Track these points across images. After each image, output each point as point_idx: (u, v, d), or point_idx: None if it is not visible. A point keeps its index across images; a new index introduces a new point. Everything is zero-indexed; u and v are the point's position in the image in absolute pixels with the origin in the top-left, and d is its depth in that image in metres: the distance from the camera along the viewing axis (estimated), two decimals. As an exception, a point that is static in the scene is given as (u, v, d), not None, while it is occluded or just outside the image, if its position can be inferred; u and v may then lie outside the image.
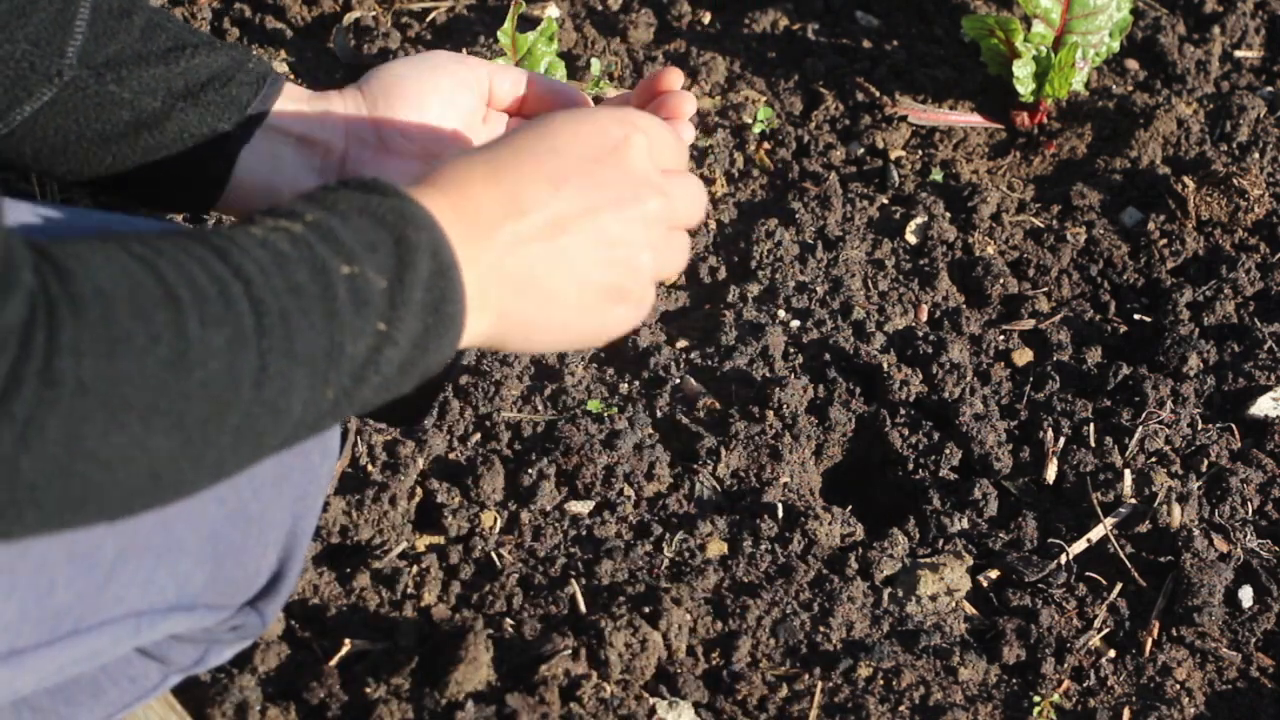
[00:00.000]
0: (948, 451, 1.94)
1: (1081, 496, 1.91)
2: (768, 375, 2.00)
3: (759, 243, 2.14)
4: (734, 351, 2.01)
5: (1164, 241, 2.17)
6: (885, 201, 2.22)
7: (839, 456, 1.98)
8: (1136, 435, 1.95)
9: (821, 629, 1.77)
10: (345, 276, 1.10)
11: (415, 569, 1.79)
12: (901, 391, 2.00)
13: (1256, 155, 2.28)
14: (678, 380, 1.99)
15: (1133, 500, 1.90)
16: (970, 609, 1.82)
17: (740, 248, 2.15)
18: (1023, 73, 2.25)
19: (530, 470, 1.88)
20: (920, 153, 2.30)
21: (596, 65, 2.33)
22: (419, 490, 1.86)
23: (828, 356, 2.03)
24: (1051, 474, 1.93)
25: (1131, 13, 2.31)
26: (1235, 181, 2.18)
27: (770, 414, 1.95)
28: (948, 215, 2.20)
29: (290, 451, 1.16)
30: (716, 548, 1.84)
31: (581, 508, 1.87)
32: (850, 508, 1.90)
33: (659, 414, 1.96)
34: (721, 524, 1.85)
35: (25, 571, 1.15)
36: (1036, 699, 1.74)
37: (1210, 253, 2.16)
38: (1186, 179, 2.20)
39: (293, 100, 1.47)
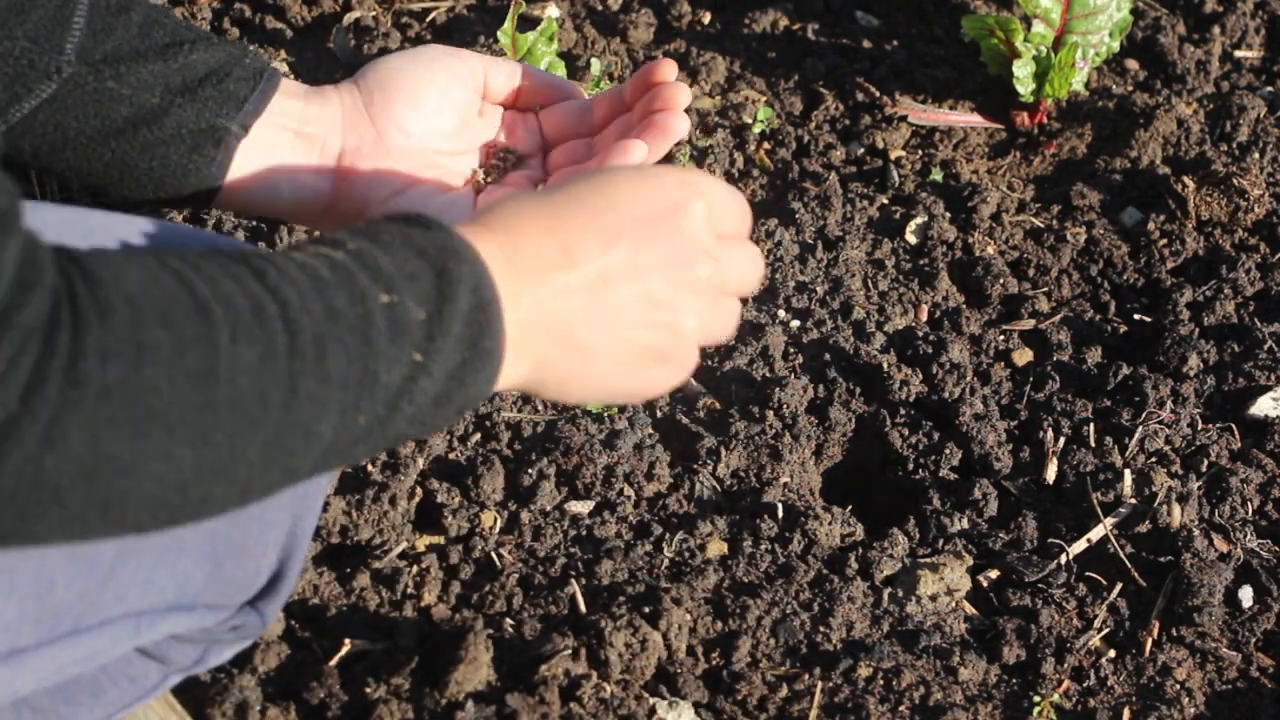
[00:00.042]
0: (948, 451, 1.94)
1: (1081, 496, 1.91)
2: (768, 375, 2.00)
3: (759, 243, 2.13)
4: (734, 351, 2.01)
5: (1164, 241, 2.17)
6: (885, 201, 2.22)
7: (839, 456, 1.98)
8: (1136, 435, 1.95)
9: (821, 629, 1.77)
10: (384, 305, 1.10)
11: (415, 569, 1.79)
12: (901, 391, 2.00)
13: (1256, 155, 2.28)
14: (678, 380, 1.99)
15: (1133, 500, 1.90)
16: (970, 609, 1.82)
17: (740, 248, 2.15)
18: (1023, 73, 2.25)
19: (530, 470, 1.88)
20: (920, 153, 2.30)
21: (596, 65, 2.33)
22: (419, 490, 1.86)
23: (828, 356, 2.03)
24: (1051, 474, 1.93)
25: (1131, 13, 2.31)
26: (1235, 181, 2.18)
27: (770, 414, 1.95)
28: (948, 215, 2.20)
29: None
30: (716, 548, 1.84)
31: (581, 508, 1.87)
32: (850, 508, 1.90)
33: (659, 414, 1.96)
34: (721, 524, 1.85)
35: (25, 571, 1.15)
36: (1036, 699, 1.74)
37: (1210, 253, 2.16)
38: (1186, 179, 2.20)
39: (290, 95, 1.48)
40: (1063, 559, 1.85)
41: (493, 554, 1.82)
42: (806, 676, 1.74)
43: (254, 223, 2.11)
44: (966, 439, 1.95)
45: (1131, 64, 2.43)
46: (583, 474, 1.88)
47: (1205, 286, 2.11)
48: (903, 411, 1.98)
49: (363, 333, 1.08)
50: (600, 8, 2.45)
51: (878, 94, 2.34)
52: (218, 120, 1.43)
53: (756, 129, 2.30)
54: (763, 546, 1.83)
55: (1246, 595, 1.82)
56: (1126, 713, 1.73)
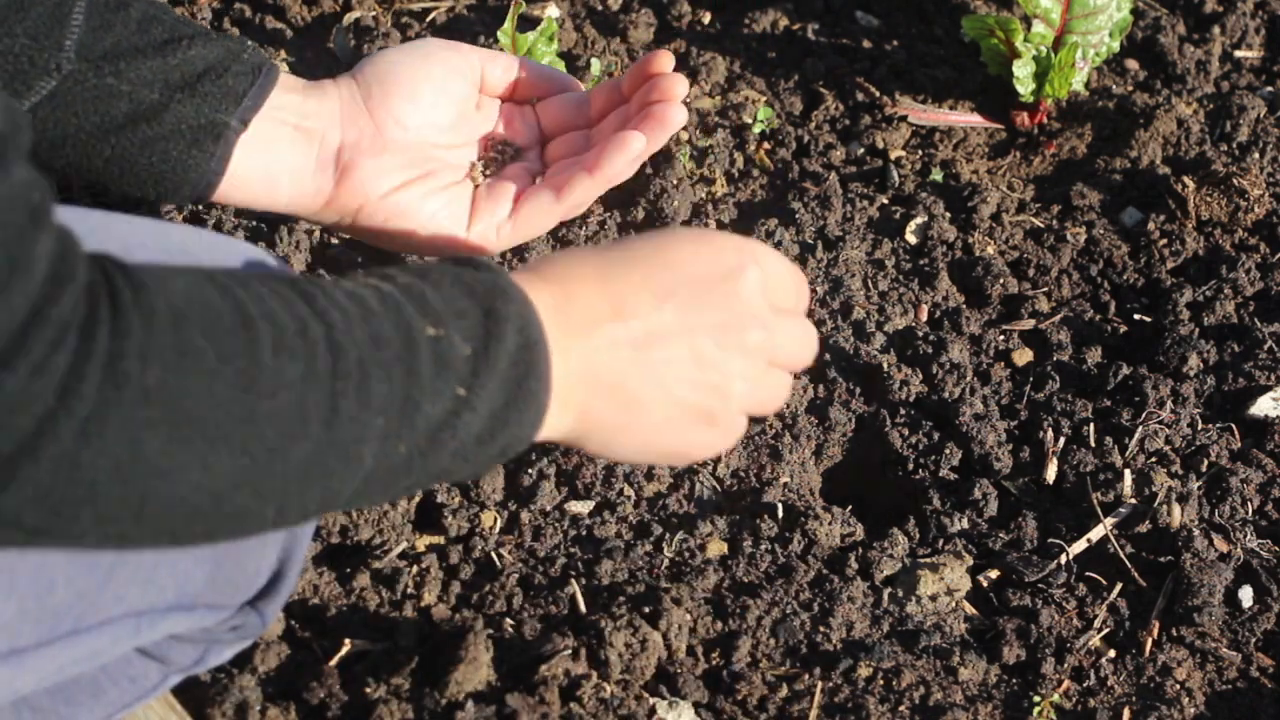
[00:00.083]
0: (948, 451, 1.94)
1: (1081, 496, 1.91)
2: (768, 375, 2.00)
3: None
4: (734, 351, 2.01)
5: (1164, 241, 2.17)
6: (885, 201, 2.22)
7: (839, 456, 1.98)
8: (1136, 435, 1.95)
9: (821, 629, 1.77)
10: (429, 338, 1.10)
11: (415, 569, 1.79)
12: (901, 391, 2.00)
13: (1256, 155, 2.28)
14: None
15: (1133, 500, 1.90)
16: (970, 609, 1.82)
17: (740, 248, 2.15)
18: (1023, 73, 2.25)
19: (530, 470, 1.88)
20: (920, 153, 2.30)
21: (596, 65, 2.33)
22: (419, 490, 1.86)
23: (828, 356, 2.03)
24: (1051, 474, 1.93)
25: (1131, 13, 2.31)
26: (1235, 181, 2.18)
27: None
28: (948, 215, 2.19)
29: None
30: (716, 548, 1.84)
31: (581, 508, 1.87)
32: (850, 508, 1.90)
33: (659, 414, 1.96)
34: (721, 524, 1.85)
35: (25, 570, 1.15)
36: (1036, 699, 1.74)
37: (1210, 253, 2.16)
38: (1186, 179, 2.20)
39: (288, 90, 1.48)
40: (1063, 559, 1.85)
41: (493, 554, 1.82)
42: (806, 676, 1.74)
43: (254, 222, 2.11)
44: (966, 439, 1.95)
45: (1131, 64, 2.43)
46: (583, 474, 1.88)
47: (1205, 286, 2.11)
48: (903, 411, 1.98)
49: (407, 363, 1.09)
50: (600, 8, 2.45)
51: (878, 94, 2.34)
52: (217, 115, 1.43)
53: (756, 129, 2.30)
54: (763, 546, 1.83)
55: (1246, 595, 1.82)
56: (1126, 713, 1.73)
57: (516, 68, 1.55)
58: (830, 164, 2.27)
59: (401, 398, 1.08)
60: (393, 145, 1.49)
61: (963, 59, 2.41)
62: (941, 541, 1.87)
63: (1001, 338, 2.08)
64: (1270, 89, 2.41)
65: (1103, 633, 1.79)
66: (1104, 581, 1.84)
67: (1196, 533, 1.85)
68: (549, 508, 1.86)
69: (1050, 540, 1.86)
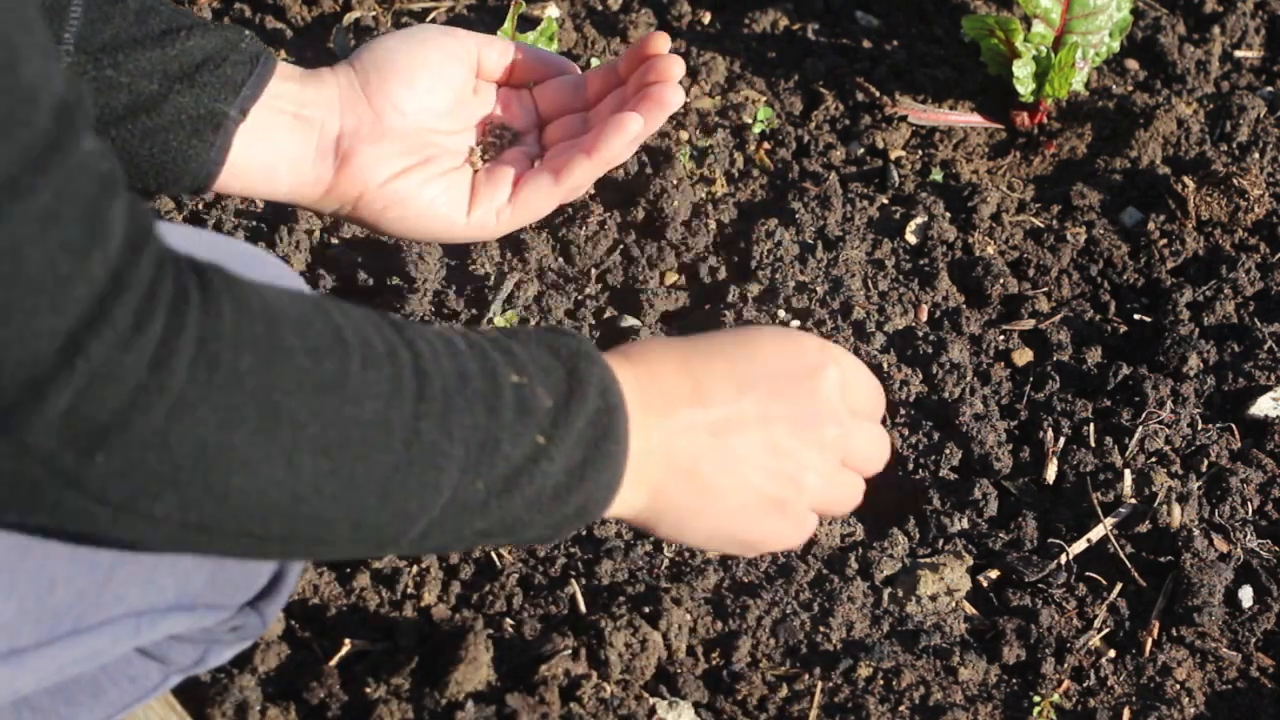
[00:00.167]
0: (948, 451, 1.94)
1: (1081, 496, 1.91)
2: (768, 375, 2.00)
3: (759, 243, 2.14)
4: (734, 351, 2.01)
5: (1164, 241, 2.17)
6: (885, 201, 2.22)
7: (839, 456, 1.98)
8: (1136, 435, 1.95)
9: (821, 629, 1.77)
10: (513, 384, 1.12)
11: (415, 569, 1.79)
12: (901, 391, 2.00)
13: (1256, 155, 2.28)
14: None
15: (1133, 500, 1.90)
16: (970, 609, 1.82)
17: (740, 248, 2.15)
18: (1023, 73, 2.25)
19: (530, 470, 1.88)
20: (920, 153, 2.30)
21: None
22: (419, 490, 1.86)
23: (828, 356, 2.03)
24: (1051, 474, 1.93)
25: (1131, 13, 2.31)
26: (1235, 181, 2.18)
27: (770, 414, 1.95)
28: (948, 215, 2.19)
29: None
30: (716, 548, 1.84)
31: (581, 508, 1.87)
32: (850, 508, 1.90)
33: (659, 414, 1.96)
34: (721, 524, 1.85)
35: (25, 570, 1.15)
36: (1036, 699, 1.74)
37: (1210, 253, 2.16)
38: (1186, 179, 2.20)
39: (286, 79, 1.48)
40: (1063, 559, 1.85)
41: (493, 554, 1.82)
42: (806, 676, 1.74)
43: (254, 222, 2.11)
44: (966, 439, 1.95)
45: (1131, 64, 2.43)
46: (583, 474, 1.88)
47: (1205, 286, 2.11)
48: (903, 411, 1.98)
49: (489, 402, 1.10)
50: (600, 8, 2.45)
51: (878, 94, 2.34)
52: (216, 105, 1.43)
53: (756, 129, 2.30)
54: (763, 546, 1.83)
55: (1246, 595, 1.82)
56: (1126, 713, 1.73)
57: (512, 52, 1.56)
58: (830, 164, 2.27)
59: (482, 433, 1.09)
60: (391, 132, 1.50)
61: (963, 59, 2.41)
62: (941, 541, 1.87)
63: (1001, 338, 2.08)
64: (1270, 89, 2.41)
65: (1103, 633, 1.79)
66: (1104, 581, 1.84)
67: (1196, 533, 1.85)
68: (549, 508, 1.86)
69: (1050, 540, 1.86)
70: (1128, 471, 1.91)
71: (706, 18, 2.46)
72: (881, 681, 1.74)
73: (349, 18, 2.39)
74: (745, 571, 1.81)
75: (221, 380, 0.98)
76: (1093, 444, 1.95)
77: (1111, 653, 1.78)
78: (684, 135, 2.27)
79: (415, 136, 1.51)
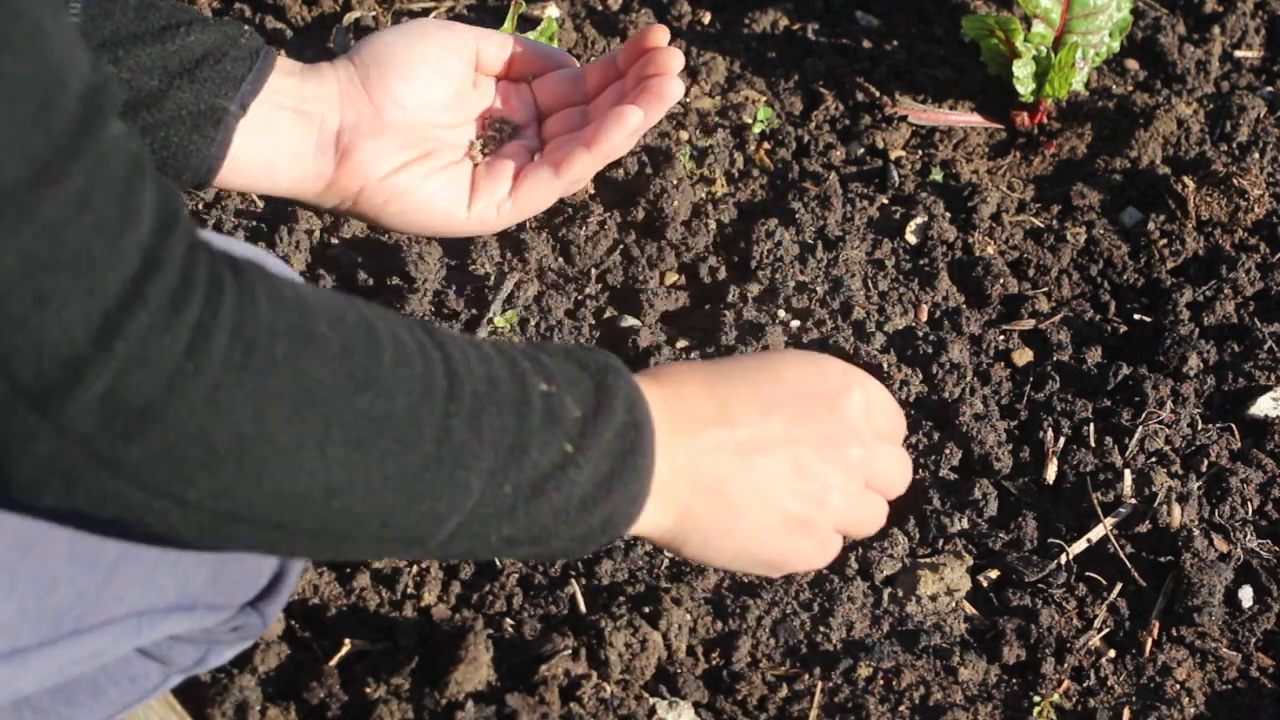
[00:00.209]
0: (948, 451, 1.94)
1: (1081, 496, 1.91)
2: (768, 375, 2.00)
3: (759, 243, 2.14)
4: (734, 351, 2.01)
5: (1164, 241, 2.17)
6: (885, 201, 2.22)
7: (839, 456, 1.98)
8: (1136, 435, 1.95)
9: (821, 629, 1.77)
10: (542, 392, 1.13)
11: (415, 569, 1.79)
12: (901, 391, 2.00)
13: (1256, 155, 2.28)
14: (678, 380, 1.99)
15: (1133, 500, 1.90)
16: (970, 609, 1.82)
17: (740, 248, 2.15)
18: (1023, 73, 2.25)
19: (530, 470, 1.87)
20: (920, 153, 2.30)
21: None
22: (419, 490, 1.86)
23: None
24: (1051, 474, 1.93)
25: (1131, 13, 2.31)
26: (1235, 181, 2.18)
27: (770, 414, 1.95)
28: (948, 215, 2.19)
29: None
30: (716, 548, 1.84)
31: (581, 508, 1.87)
32: (850, 508, 1.90)
33: (659, 414, 1.96)
34: (721, 524, 1.85)
35: (26, 570, 1.15)
36: (1036, 699, 1.74)
37: (1210, 253, 2.16)
38: (1186, 179, 2.20)
39: (286, 74, 1.48)
40: (1063, 559, 1.85)
41: (493, 554, 1.81)
42: (806, 676, 1.74)
43: (254, 222, 2.11)
44: (966, 439, 1.95)
45: (1131, 64, 2.43)
46: (583, 474, 1.88)
47: (1205, 286, 2.11)
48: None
49: (518, 408, 1.11)
50: (600, 8, 2.45)
51: (878, 94, 2.34)
52: (216, 101, 1.43)
53: (756, 129, 2.30)
54: (763, 546, 1.83)
55: (1246, 595, 1.82)
56: (1126, 713, 1.73)
57: (511, 45, 1.56)
58: (830, 164, 2.27)
59: (511, 437, 1.10)
60: (391, 126, 1.50)
61: (963, 59, 2.41)
62: (941, 541, 1.87)
63: (1001, 338, 2.08)
64: (1270, 89, 2.41)
65: (1103, 633, 1.79)
66: (1104, 581, 1.84)
67: (1196, 533, 1.85)
68: (549, 508, 1.86)
69: (1050, 540, 1.86)
70: (1128, 471, 1.91)
71: (706, 18, 2.46)
72: (881, 681, 1.74)
73: (349, 18, 2.39)
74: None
75: (257, 366, 0.98)
76: (1093, 444, 1.95)
77: (1111, 653, 1.78)
78: (684, 135, 2.27)
79: (415, 131, 1.51)
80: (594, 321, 2.07)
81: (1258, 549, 1.85)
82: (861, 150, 2.29)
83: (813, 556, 1.32)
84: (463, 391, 1.08)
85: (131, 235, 0.95)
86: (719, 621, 1.77)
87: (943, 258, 2.15)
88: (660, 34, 1.51)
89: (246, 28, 1.47)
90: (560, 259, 2.12)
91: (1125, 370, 2.02)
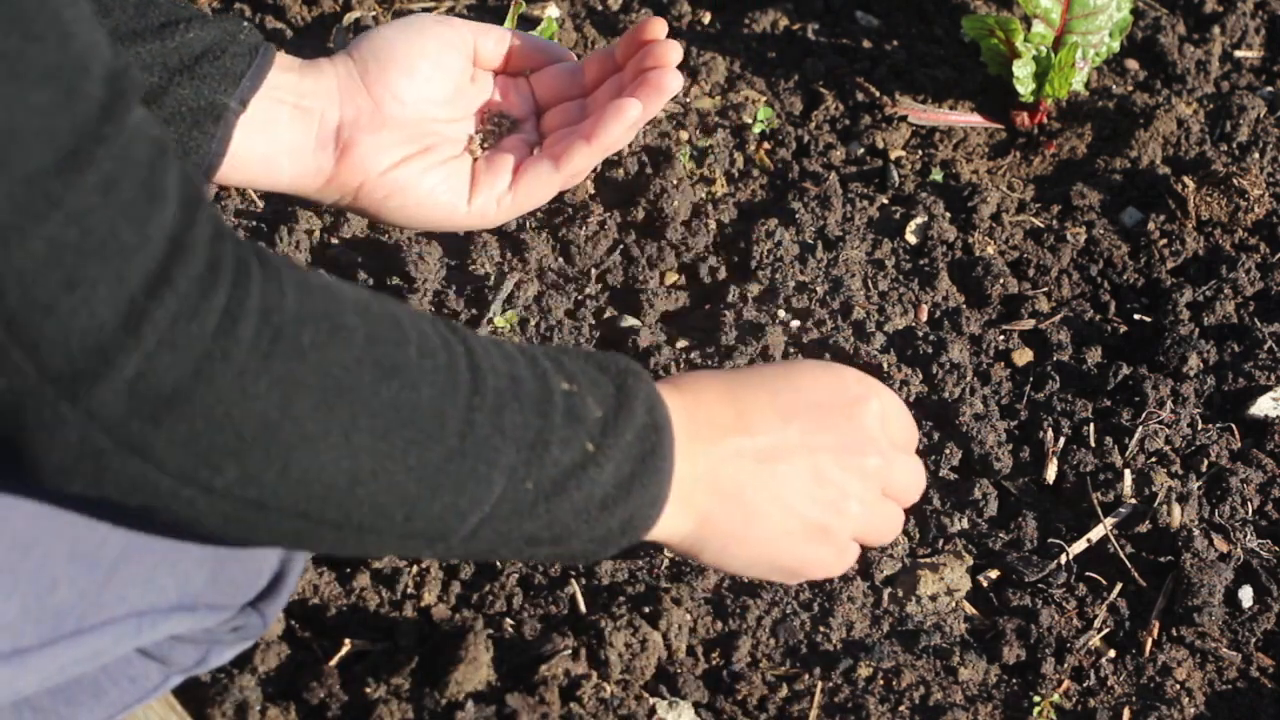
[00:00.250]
0: (948, 451, 1.94)
1: (1081, 496, 1.91)
2: (768, 375, 2.00)
3: (759, 243, 2.13)
4: (734, 351, 2.01)
5: (1164, 241, 2.17)
6: (885, 201, 2.22)
7: (839, 456, 1.98)
8: (1136, 435, 1.95)
9: (821, 629, 1.77)
10: (564, 391, 1.13)
11: (415, 569, 1.79)
12: (901, 391, 2.00)
13: (1256, 155, 2.28)
14: (678, 380, 1.99)
15: (1133, 500, 1.90)
16: (970, 609, 1.82)
17: (740, 248, 2.15)
18: (1023, 73, 2.25)
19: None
20: (920, 153, 2.30)
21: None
22: (419, 490, 1.86)
23: (828, 356, 2.03)
24: (1051, 474, 1.93)
25: (1131, 13, 2.31)
26: (1235, 181, 2.18)
27: (770, 414, 1.95)
28: (948, 215, 2.19)
29: None
30: (716, 548, 1.84)
31: (581, 508, 1.87)
32: (850, 508, 1.90)
33: (659, 414, 1.96)
34: (721, 524, 1.85)
35: (27, 570, 1.15)
36: (1036, 699, 1.74)
37: (1210, 253, 2.16)
38: (1186, 179, 2.20)
39: (285, 69, 1.48)
40: (1063, 559, 1.85)
41: (493, 554, 1.81)
42: (806, 676, 1.74)
43: (254, 222, 2.11)
44: (966, 439, 1.95)
45: (1131, 64, 2.43)
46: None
47: (1205, 286, 2.11)
48: (903, 411, 1.98)
49: (540, 406, 1.11)
50: (600, 8, 2.45)
51: (878, 94, 2.34)
52: (216, 97, 1.43)
53: (756, 129, 2.30)
54: (763, 546, 1.83)
55: (1246, 595, 1.82)
56: (1126, 713, 1.73)
57: (509, 40, 1.56)
58: (830, 164, 2.27)
59: (533, 434, 1.11)
60: (391, 121, 1.50)
61: (963, 59, 2.41)
62: (941, 541, 1.87)
63: (1001, 338, 2.08)
64: (1270, 89, 2.41)
65: (1103, 633, 1.79)
66: (1104, 581, 1.84)
67: (1196, 533, 1.85)
68: (549, 508, 1.86)
69: (1050, 540, 1.86)
70: (1128, 471, 1.91)
71: (706, 18, 2.46)
72: (881, 681, 1.74)
73: (349, 18, 2.39)
74: (745, 571, 1.81)
75: (284, 352, 0.99)
76: (1093, 444, 1.95)
77: (1111, 653, 1.78)
78: (684, 135, 2.27)
79: (415, 125, 1.51)
80: (594, 321, 2.07)
81: (1258, 549, 1.85)
82: (861, 150, 2.29)
83: (830, 564, 1.32)
84: (486, 386, 1.08)
85: (157, 220, 0.95)
86: (719, 621, 1.77)
87: (943, 258, 2.15)
88: (658, 26, 1.51)
89: (245, 24, 1.47)
90: (560, 259, 2.12)
91: (1125, 370, 2.02)
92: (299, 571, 1.35)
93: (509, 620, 1.75)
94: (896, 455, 1.33)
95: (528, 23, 2.29)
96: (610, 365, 1.18)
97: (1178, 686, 1.75)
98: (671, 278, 2.14)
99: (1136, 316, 2.11)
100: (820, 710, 1.71)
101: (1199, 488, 1.90)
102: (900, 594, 1.82)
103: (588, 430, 1.13)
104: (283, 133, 1.47)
